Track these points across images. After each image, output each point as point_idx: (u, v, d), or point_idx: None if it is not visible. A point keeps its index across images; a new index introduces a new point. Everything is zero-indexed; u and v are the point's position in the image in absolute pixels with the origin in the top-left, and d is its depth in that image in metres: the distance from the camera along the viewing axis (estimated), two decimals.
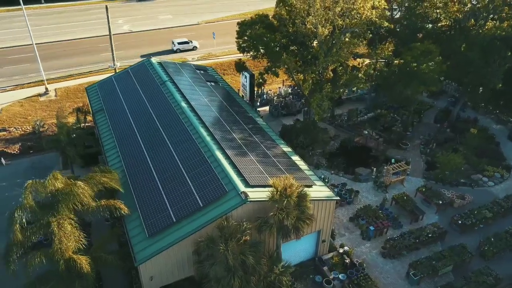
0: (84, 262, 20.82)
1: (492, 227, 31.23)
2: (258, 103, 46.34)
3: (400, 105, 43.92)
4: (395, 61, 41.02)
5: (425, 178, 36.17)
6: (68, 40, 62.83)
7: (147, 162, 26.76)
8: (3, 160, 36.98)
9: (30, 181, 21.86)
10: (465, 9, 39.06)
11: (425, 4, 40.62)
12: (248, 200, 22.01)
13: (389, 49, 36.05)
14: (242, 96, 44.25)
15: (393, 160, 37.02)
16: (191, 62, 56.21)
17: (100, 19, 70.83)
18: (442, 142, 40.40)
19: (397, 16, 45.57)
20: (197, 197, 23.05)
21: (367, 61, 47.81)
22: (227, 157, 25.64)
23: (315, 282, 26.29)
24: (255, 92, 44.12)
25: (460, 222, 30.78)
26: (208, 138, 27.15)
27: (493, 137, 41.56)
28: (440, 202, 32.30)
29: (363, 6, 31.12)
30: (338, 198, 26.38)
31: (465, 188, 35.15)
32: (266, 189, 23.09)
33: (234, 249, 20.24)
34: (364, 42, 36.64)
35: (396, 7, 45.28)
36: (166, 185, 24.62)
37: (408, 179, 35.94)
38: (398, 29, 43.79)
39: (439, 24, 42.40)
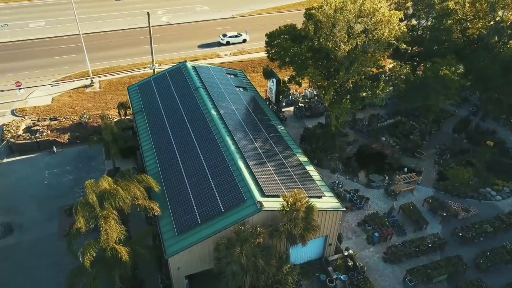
0: (124, 251, 25.10)
1: (492, 240, 33.48)
2: (284, 104, 49.26)
3: (420, 113, 45.59)
4: (421, 65, 42.45)
5: (435, 188, 38.38)
6: (111, 31, 67.07)
7: (179, 165, 30.66)
8: (55, 149, 42.08)
9: (89, 180, 26.19)
10: (489, 24, 39.98)
11: (451, 18, 41.79)
12: (263, 209, 25.53)
13: (407, 68, 37.80)
14: (268, 98, 47.39)
15: (405, 169, 39.47)
16: (223, 58, 59.48)
17: (142, 9, 74.70)
18: (456, 153, 42.16)
19: (424, 23, 46.77)
20: (220, 202, 26.79)
21: (392, 64, 49.66)
22: (247, 166, 29.12)
23: (319, 280, 29.82)
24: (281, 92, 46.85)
25: (460, 234, 33.21)
26: (232, 148, 30.65)
27: (509, 151, 42.79)
28: (444, 213, 34.72)
29: (383, 29, 33.12)
30: (344, 209, 29.42)
31: (472, 201, 37.22)
32: (280, 199, 26.52)
33: (247, 251, 23.94)
34: (386, 55, 38.57)
35: (424, 15, 46.33)
36: (194, 188, 28.48)
37: (418, 188, 38.30)
38: (424, 35, 45.05)
39: (466, 34, 43.38)
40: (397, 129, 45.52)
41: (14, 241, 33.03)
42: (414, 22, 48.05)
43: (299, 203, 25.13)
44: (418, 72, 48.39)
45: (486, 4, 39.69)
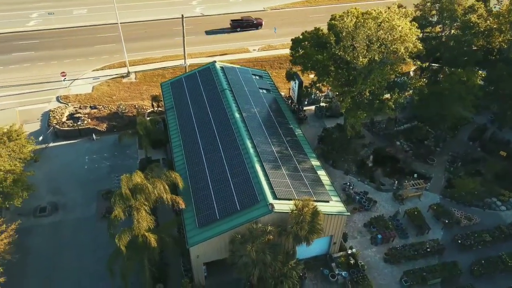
0: (152, 239, 29.15)
1: (490, 249, 35.71)
2: (306, 102, 51.78)
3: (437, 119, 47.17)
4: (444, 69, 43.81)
5: (442, 195, 40.48)
6: (146, 21, 70.49)
7: (204, 163, 34.26)
8: (94, 136, 46.62)
9: (124, 175, 30.04)
10: (510, 38, 40.88)
11: (474, 30, 42.82)
12: (274, 211, 28.89)
13: (422, 81, 39.47)
14: (291, 97, 50.15)
15: (415, 175, 41.71)
16: (252, 53, 62.12)
17: None
18: (468, 162, 43.82)
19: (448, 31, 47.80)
20: (236, 201, 30.31)
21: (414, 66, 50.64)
22: (263, 169, 32.37)
23: (323, 274, 33.20)
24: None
25: (459, 241, 35.60)
26: (251, 150, 33.92)
27: None
28: (446, 221, 37.06)
29: (399, 46, 34.98)
30: (348, 213, 32.30)
31: (476, 210, 39.23)
32: (290, 202, 29.81)
33: (258, 247, 27.50)
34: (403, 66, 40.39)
35: (448, 23, 47.28)
36: (215, 186, 32.09)
37: (425, 194, 40.52)
38: (447, 42, 46.15)
39: (489, 45, 44.34)
40: (412, 134, 47.32)
41: (60, 219, 37.89)
42: (438, 29, 49.07)
43: (306, 208, 28.32)
44: (440, 76, 49.68)
45: (508, 19, 40.54)
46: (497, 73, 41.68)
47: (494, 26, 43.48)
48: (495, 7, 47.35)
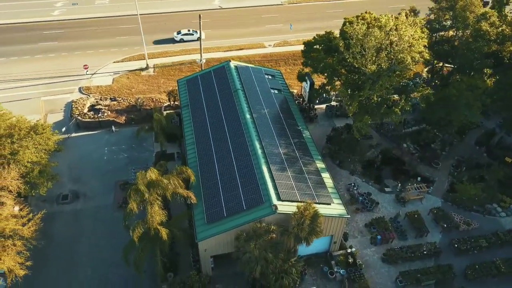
0: (164, 232, 31.61)
1: (486, 254, 37.06)
2: (317, 101, 53.12)
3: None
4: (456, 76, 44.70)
5: (444, 199, 41.77)
6: (165, 13, 72.14)
7: (214, 162, 36.34)
8: (113, 128, 49.17)
9: (140, 172, 32.38)
10: None
11: (485, 38, 43.21)
12: (277, 212, 30.93)
13: (428, 90, 40.25)
14: (303, 95, 51.58)
15: (419, 178, 43.03)
16: (267, 49, 63.37)
17: None
18: (472, 167, 44.79)
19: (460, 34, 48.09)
20: (243, 201, 32.41)
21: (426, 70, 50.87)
22: (270, 171, 34.28)
23: (322, 271, 35.29)
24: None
25: (456, 245, 37.09)
26: (259, 152, 35.81)
27: None
28: (445, 225, 38.51)
29: (406, 56, 35.98)
30: (348, 216, 34.06)
31: (477, 215, 40.46)
32: (293, 203, 31.77)
33: (260, 245, 29.69)
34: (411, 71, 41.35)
35: (461, 29, 47.55)
36: (224, 185, 34.22)
37: (428, 197, 41.88)
38: (459, 47, 46.59)
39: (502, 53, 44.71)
40: (420, 136, 48.32)
41: (80, 207, 40.78)
42: (452, 32, 49.36)
43: (307, 211, 30.26)
44: (451, 78, 50.23)
45: None
46: (507, 81, 42.15)
47: (508, 32, 43.61)
48: (510, 12, 47.32)
